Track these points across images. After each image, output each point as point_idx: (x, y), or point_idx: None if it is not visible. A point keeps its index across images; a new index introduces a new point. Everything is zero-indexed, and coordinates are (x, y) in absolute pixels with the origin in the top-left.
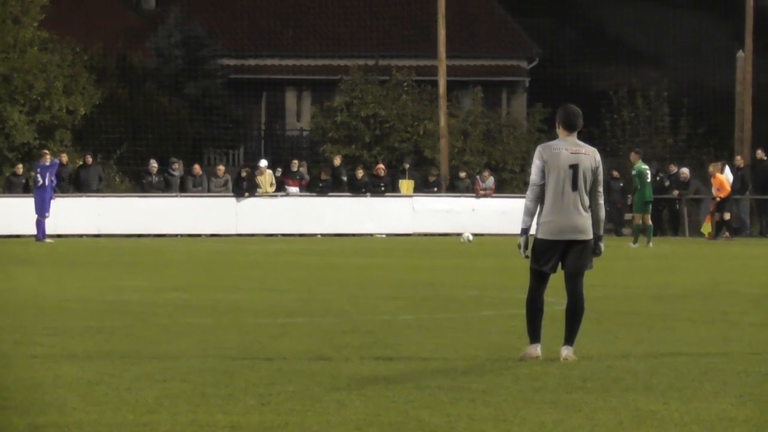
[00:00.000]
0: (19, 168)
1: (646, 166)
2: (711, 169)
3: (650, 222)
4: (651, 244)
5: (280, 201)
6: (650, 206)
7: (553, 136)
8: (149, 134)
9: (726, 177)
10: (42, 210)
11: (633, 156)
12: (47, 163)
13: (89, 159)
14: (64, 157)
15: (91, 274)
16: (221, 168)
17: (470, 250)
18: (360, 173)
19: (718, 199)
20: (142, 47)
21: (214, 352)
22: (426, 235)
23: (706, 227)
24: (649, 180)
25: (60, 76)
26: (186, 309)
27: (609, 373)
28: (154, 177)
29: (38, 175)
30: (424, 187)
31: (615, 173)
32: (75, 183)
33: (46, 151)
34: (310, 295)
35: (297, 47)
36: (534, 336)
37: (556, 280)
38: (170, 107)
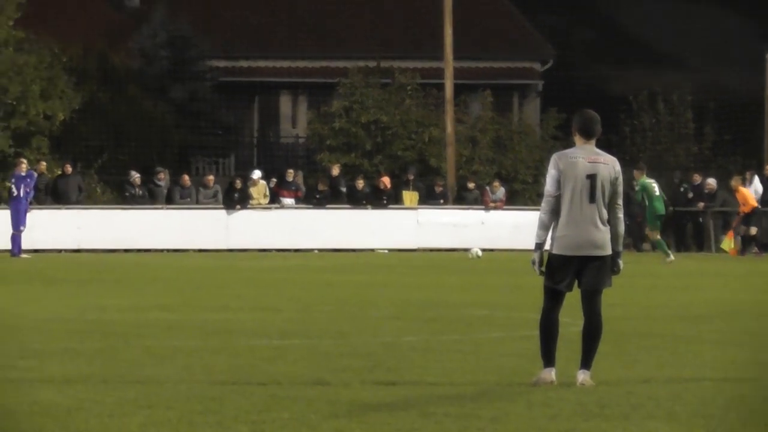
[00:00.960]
0: None
1: (651, 180)
2: (733, 183)
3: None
4: (672, 258)
5: (275, 213)
6: (661, 221)
7: (569, 144)
8: (132, 141)
9: (755, 189)
10: (17, 223)
11: (636, 173)
12: (23, 173)
13: (68, 168)
14: (42, 166)
15: (71, 292)
16: (211, 178)
17: (479, 267)
18: (360, 184)
19: (742, 214)
20: (125, 47)
21: (202, 377)
22: (431, 250)
23: (727, 243)
24: (657, 193)
25: (37, 79)
26: (172, 330)
27: (629, 399)
28: (137, 188)
29: (13, 186)
30: (429, 198)
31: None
32: (53, 194)
33: (23, 160)
34: (307, 315)
35: (292, 47)
36: (548, 359)
37: (573, 299)
38: (155, 112)
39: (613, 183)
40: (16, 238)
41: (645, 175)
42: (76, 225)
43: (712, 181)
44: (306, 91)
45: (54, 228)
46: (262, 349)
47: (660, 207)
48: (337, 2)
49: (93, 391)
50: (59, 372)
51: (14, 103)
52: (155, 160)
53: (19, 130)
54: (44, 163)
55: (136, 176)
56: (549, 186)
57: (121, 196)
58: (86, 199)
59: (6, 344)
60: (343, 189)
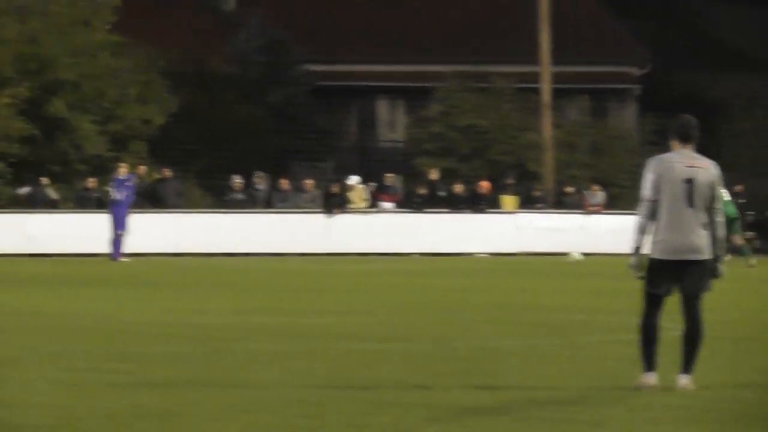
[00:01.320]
0: (92, 182)
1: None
2: None
3: (742, 241)
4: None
5: (373, 218)
6: (737, 224)
7: (666, 149)
8: (230, 146)
9: None
10: (117, 227)
11: None
12: (123, 177)
13: (168, 172)
14: (141, 170)
15: (171, 296)
16: (309, 182)
17: (578, 271)
18: (459, 188)
19: None
20: (221, 52)
21: (303, 381)
22: (530, 254)
23: None
24: (728, 198)
25: (133, 83)
26: (273, 334)
27: (731, 404)
28: (237, 192)
29: (113, 190)
30: (527, 202)
31: (738, 188)
32: (152, 198)
33: (123, 164)
34: (406, 319)
35: (388, 51)
36: (649, 364)
37: (673, 303)
38: (252, 116)
39: (712, 187)
40: (116, 242)
41: None
42: (175, 229)
43: None
44: (403, 96)
45: (153, 232)
46: (362, 353)
47: (732, 211)
48: (433, 6)
49: (194, 395)
50: (160, 376)
51: (111, 107)
52: (253, 165)
53: (117, 135)
54: (143, 167)
55: (237, 180)
56: (646, 190)
57: (219, 200)
58: (185, 203)
59: (107, 348)
60: (442, 193)
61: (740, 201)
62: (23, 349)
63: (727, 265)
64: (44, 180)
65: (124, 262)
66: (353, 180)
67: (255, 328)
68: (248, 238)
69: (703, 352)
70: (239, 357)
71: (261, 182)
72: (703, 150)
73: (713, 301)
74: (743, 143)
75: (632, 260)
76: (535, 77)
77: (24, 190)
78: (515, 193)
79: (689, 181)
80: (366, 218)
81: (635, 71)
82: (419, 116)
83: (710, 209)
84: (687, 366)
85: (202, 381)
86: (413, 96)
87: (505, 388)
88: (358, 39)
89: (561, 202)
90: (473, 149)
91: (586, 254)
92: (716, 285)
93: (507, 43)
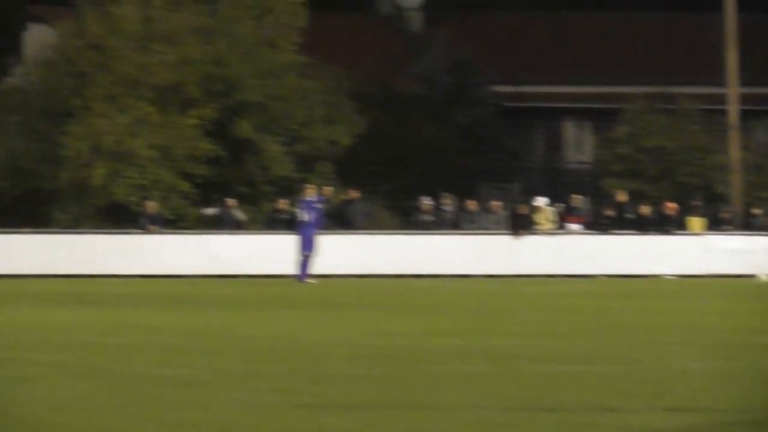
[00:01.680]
0: (282, 203)
1: None
2: None
3: None
4: None
5: (560, 239)
6: None
7: None
8: (417, 167)
9: None
10: (305, 248)
11: None
12: (311, 199)
13: (355, 193)
14: (328, 191)
15: (357, 317)
16: (497, 203)
17: (766, 293)
18: (646, 209)
19: None
20: (407, 73)
21: (490, 403)
22: (718, 276)
23: None
24: None
25: (320, 104)
26: (460, 355)
27: None
28: (424, 213)
29: (302, 211)
30: (714, 224)
31: None
32: (339, 219)
33: (311, 186)
34: (594, 341)
35: (574, 73)
36: None
37: None
38: (439, 138)
39: None
40: (303, 263)
41: None
42: (361, 250)
43: None
44: (590, 117)
45: (340, 253)
46: (552, 374)
47: None
48: (618, 28)
49: (379, 416)
50: (346, 397)
51: (298, 128)
52: (440, 186)
53: (303, 156)
54: (330, 188)
55: (426, 202)
56: None
57: (406, 220)
58: (372, 224)
59: (293, 369)
60: (630, 215)
61: None
62: (209, 371)
63: None
64: (230, 201)
65: (311, 283)
66: (540, 201)
67: (442, 350)
68: (435, 259)
69: None
70: (426, 378)
71: (448, 203)
72: None
73: None
74: None
75: None
76: (722, 98)
77: (210, 211)
78: (702, 215)
79: None
80: (553, 240)
81: None
82: (606, 137)
83: None
84: None
85: (389, 403)
86: (600, 117)
87: (696, 410)
88: (544, 60)
89: (749, 224)
90: (660, 171)
91: None
92: None
93: (694, 64)
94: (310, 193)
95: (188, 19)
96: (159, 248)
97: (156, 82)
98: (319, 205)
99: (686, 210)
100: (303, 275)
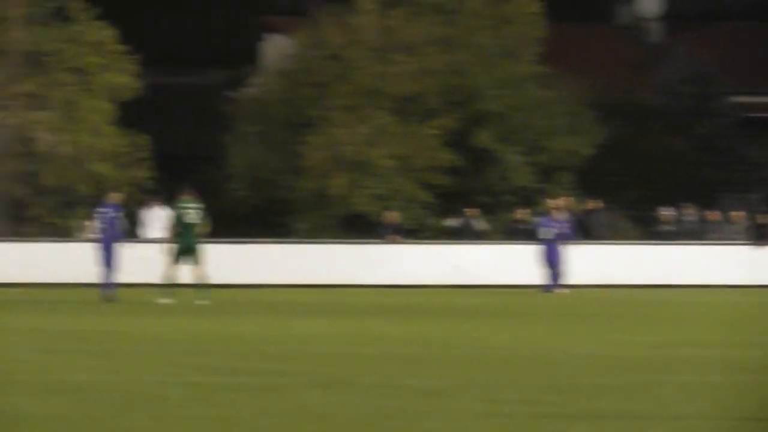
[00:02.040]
0: (521, 213)
1: None
2: None
3: None
4: None
5: None
6: None
7: None
8: (658, 177)
9: None
10: (552, 261)
11: None
12: (557, 219)
13: (596, 204)
14: (561, 203)
15: (601, 327)
16: (738, 214)
17: None
18: None
19: None
20: (648, 83)
21: (732, 414)
22: None
23: None
24: None
25: (561, 114)
26: (701, 366)
27: None
28: (665, 224)
29: (543, 229)
30: None
31: None
32: (580, 230)
33: (554, 202)
34: None
35: None
36: None
37: None
38: (679, 148)
39: None
40: (553, 276)
41: None
42: (604, 261)
43: None
44: None
45: (581, 263)
46: None
47: None
48: None
49: (620, 426)
50: (587, 407)
51: (538, 138)
52: (680, 196)
53: (543, 166)
54: (570, 198)
55: (667, 212)
56: None
57: (646, 231)
58: (613, 234)
59: (534, 379)
60: None
61: None
62: (451, 381)
63: None
64: (471, 211)
65: (562, 293)
66: None
67: (683, 360)
68: (677, 269)
69: None
70: (666, 388)
71: (690, 213)
72: None
73: None
74: None
75: None
76: None
77: (452, 222)
78: None
79: None
80: None
81: None
82: None
83: None
84: None
85: (629, 413)
86: None
87: None
88: None
89: None
90: None
91: None
92: None
93: None
94: (556, 214)
95: (428, 29)
96: (400, 258)
97: (396, 92)
98: (564, 222)
99: None
100: (551, 286)
